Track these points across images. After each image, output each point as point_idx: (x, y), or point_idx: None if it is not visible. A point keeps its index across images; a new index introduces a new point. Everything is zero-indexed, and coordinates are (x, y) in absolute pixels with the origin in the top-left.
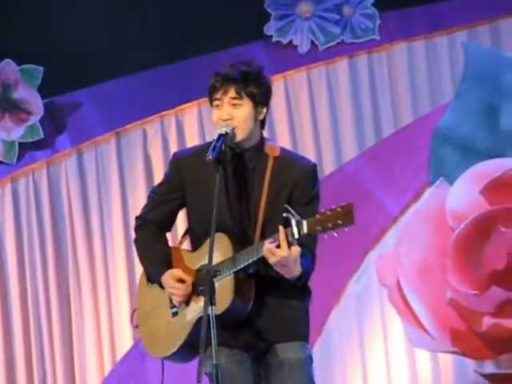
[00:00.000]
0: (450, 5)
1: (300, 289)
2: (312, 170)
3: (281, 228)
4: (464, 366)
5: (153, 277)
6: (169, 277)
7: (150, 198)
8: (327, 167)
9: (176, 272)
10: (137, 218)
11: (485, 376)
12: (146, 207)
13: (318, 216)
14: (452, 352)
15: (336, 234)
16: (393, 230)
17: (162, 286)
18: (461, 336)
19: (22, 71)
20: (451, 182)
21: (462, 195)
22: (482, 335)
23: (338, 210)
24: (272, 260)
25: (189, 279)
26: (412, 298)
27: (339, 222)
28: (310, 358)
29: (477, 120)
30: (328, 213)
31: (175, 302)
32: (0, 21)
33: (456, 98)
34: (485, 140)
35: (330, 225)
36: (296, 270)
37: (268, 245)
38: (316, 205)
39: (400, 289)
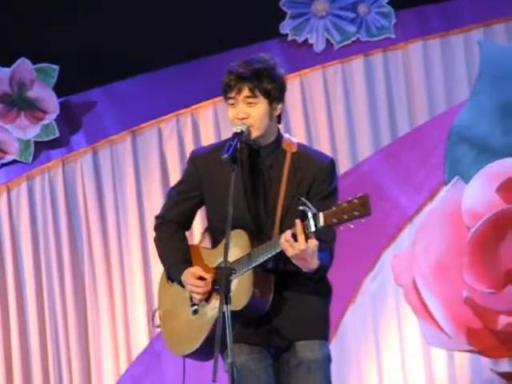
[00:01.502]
0: (465, 3)
1: (320, 284)
2: (329, 166)
3: (297, 221)
4: (480, 365)
5: (173, 275)
6: (189, 274)
7: (169, 197)
8: (343, 166)
9: (195, 270)
10: (156, 218)
11: (500, 374)
12: (165, 206)
13: (334, 208)
14: (468, 351)
15: (352, 226)
16: (408, 228)
17: (182, 285)
18: (477, 334)
19: (37, 70)
20: (467, 180)
21: (478, 194)
22: (497, 334)
23: (355, 201)
24: (290, 253)
25: (209, 276)
26: (428, 296)
27: (355, 213)
28: (329, 358)
29: (492, 118)
30: (344, 204)
31: (195, 300)
32: (15, 20)
33: (471, 96)
34: (500, 138)
35: (346, 216)
36: (313, 264)
37: (286, 237)
38: (334, 199)
39: (416, 287)
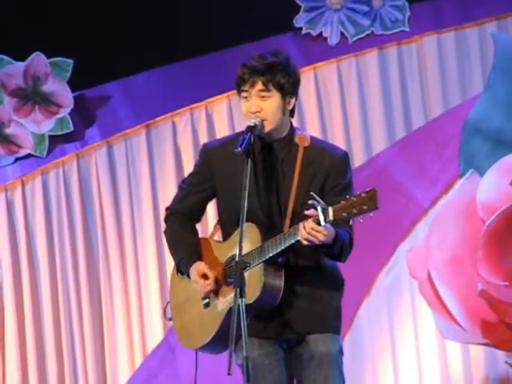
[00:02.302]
0: None
1: (332, 277)
2: (343, 159)
3: (309, 212)
4: (495, 358)
5: (182, 268)
6: (194, 270)
7: (180, 189)
8: (357, 160)
9: (201, 266)
10: (167, 209)
11: None
12: (175, 198)
13: (343, 202)
14: (483, 343)
15: (361, 220)
16: (423, 221)
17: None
18: (492, 327)
19: (51, 64)
20: (481, 173)
21: (493, 187)
22: None
23: (363, 195)
24: (304, 234)
25: (213, 274)
26: (443, 289)
27: (364, 207)
28: (341, 351)
29: (507, 111)
30: (353, 198)
31: (200, 295)
32: (30, 14)
33: (486, 89)
34: None
35: (355, 210)
36: (329, 238)
37: (307, 226)
38: (349, 193)
39: (431, 281)
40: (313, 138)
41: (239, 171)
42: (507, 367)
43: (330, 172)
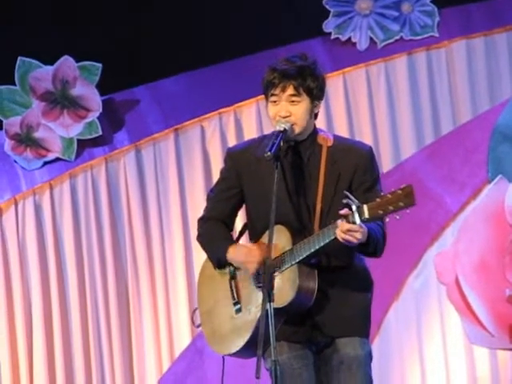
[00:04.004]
0: (509, 1)
1: (362, 279)
2: (369, 154)
3: (343, 211)
4: None
5: (220, 256)
6: (236, 247)
7: (209, 199)
8: (386, 165)
9: (242, 246)
10: (198, 220)
11: None
12: (206, 208)
13: (378, 200)
14: (511, 349)
15: (398, 217)
16: (452, 227)
17: (227, 265)
18: None
19: (80, 68)
20: (510, 179)
21: None
22: None
23: (399, 192)
24: (341, 234)
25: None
26: (471, 295)
27: (401, 204)
28: (370, 356)
29: None
30: (389, 196)
31: (251, 270)
32: (58, 18)
33: None
34: None
35: (391, 208)
36: (365, 236)
37: (343, 227)
38: (378, 189)
39: (459, 286)
40: (336, 137)
41: (266, 174)
42: None
43: (357, 169)
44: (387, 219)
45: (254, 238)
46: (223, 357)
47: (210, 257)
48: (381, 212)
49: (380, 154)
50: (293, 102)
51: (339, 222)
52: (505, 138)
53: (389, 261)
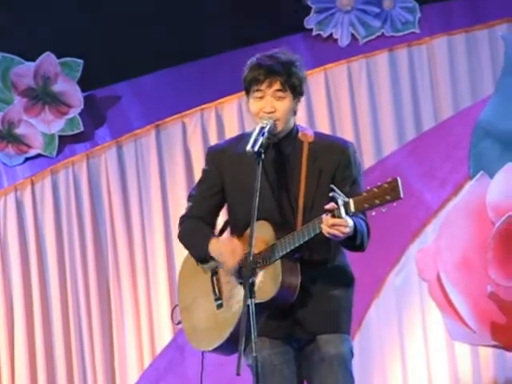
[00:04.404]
0: None
1: (343, 274)
2: (350, 150)
3: (329, 206)
4: (504, 359)
5: (201, 250)
6: (218, 241)
7: (190, 198)
8: (367, 161)
9: (220, 242)
10: (180, 219)
11: None
12: (187, 207)
13: (364, 194)
14: (492, 345)
15: (384, 210)
16: (433, 223)
17: (209, 260)
18: (501, 329)
19: (61, 64)
20: (491, 175)
21: (503, 189)
22: None
23: (385, 185)
24: (327, 229)
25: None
26: (452, 291)
27: (387, 197)
28: (351, 353)
29: None
30: (375, 189)
31: (233, 265)
32: (40, 14)
33: (496, 91)
34: None
35: (377, 201)
36: (350, 230)
37: (328, 222)
38: (361, 183)
39: (440, 282)
40: (317, 134)
41: (248, 171)
42: None
43: (339, 165)
44: (373, 213)
45: (237, 234)
46: (202, 353)
47: (192, 253)
48: (367, 206)
49: (361, 151)
50: (278, 97)
51: (324, 216)
52: (486, 134)
53: (370, 257)
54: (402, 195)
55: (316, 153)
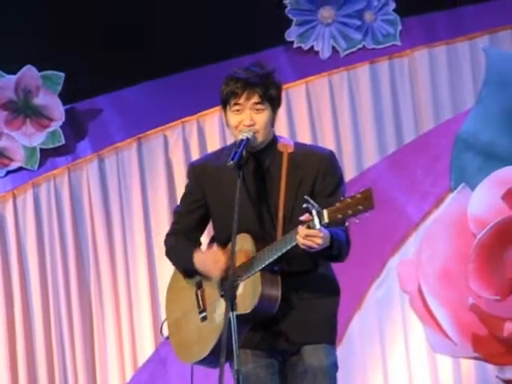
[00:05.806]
0: (471, 10)
1: (328, 284)
2: (330, 158)
3: (304, 217)
4: (486, 372)
5: (187, 264)
6: (202, 253)
7: (175, 213)
8: (348, 173)
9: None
10: (165, 236)
11: (506, 382)
12: (172, 223)
13: (338, 204)
14: (474, 358)
15: (357, 221)
16: (414, 235)
17: (195, 274)
18: (482, 342)
19: (43, 77)
20: (473, 187)
21: (484, 201)
22: (503, 341)
23: (358, 196)
24: (301, 240)
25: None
26: (434, 303)
27: (360, 207)
28: (335, 365)
29: (498, 126)
30: (348, 200)
31: (216, 277)
32: (22, 27)
33: (477, 103)
34: (507, 145)
35: (350, 211)
36: (326, 241)
37: (302, 233)
38: (340, 193)
39: (421, 294)
40: (296, 144)
41: (229, 184)
42: (498, 381)
43: (318, 174)
44: (347, 223)
45: (221, 247)
46: (192, 366)
47: (178, 267)
48: (340, 216)
49: (343, 163)
50: (257, 110)
51: (300, 227)
52: (467, 147)
53: (351, 270)
54: (374, 205)
55: (296, 162)
